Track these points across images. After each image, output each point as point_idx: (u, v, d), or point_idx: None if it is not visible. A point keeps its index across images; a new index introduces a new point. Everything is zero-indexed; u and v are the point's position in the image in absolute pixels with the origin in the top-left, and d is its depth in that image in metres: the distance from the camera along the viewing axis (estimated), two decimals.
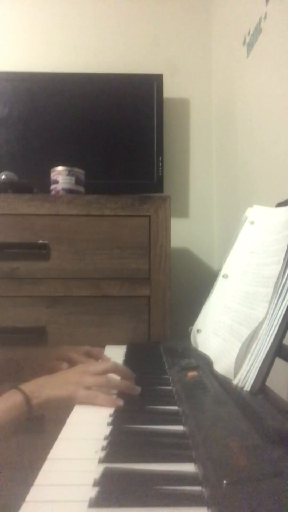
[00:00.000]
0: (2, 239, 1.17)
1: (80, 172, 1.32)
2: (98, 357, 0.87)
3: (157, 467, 0.39)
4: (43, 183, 1.33)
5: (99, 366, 0.70)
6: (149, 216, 1.19)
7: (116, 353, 0.93)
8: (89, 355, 0.87)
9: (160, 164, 1.62)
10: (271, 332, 0.54)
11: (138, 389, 0.64)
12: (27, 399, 0.59)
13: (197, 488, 0.35)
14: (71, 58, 1.74)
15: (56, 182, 1.29)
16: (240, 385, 0.56)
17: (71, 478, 0.40)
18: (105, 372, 0.67)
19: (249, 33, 1.26)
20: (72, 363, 0.82)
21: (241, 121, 1.40)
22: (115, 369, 0.68)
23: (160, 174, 1.62)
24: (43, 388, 0.62)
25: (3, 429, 0.58)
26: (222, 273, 0.82)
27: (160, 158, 1.62)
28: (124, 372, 0.69)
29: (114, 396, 0.61)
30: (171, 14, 1.79)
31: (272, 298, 0.57)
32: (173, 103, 1.75)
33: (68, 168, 1.30)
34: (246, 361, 0.56)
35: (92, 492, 0.35)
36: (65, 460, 0.44)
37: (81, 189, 1.32)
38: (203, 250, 1.74)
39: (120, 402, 0.59)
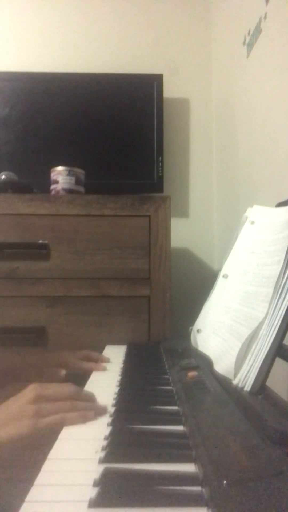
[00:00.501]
0: (2, 239, 1.17)
1: (80, 172, 1.32)
2: (96, 361, 0.86)
3: (157, 467, 0.39)
4: (43, 183, 1.33)
5: (57, 389, 0.57)
6: (149, 216, 1.19)
7: (116, 353, 0.93)
8: (88, 359, 0.86)
9: (160, 164, 1.62)
10: (271, 332, 0.54)
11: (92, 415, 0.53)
12: None
13: (197, 488, 0.35)
14: (71, 58, 1.74)
15: (56, 182, 1.29)
16: (240, 385, 0.56)
17: (71, 478, 0.40)
18: (65, 398, 0.55)
19: (249, 33, 1.26)
20: (70, 369, 0.81)
21: (241, 121, 1.40)
22: (77, 395, 0.57)
23: (160, 174, 1.62)
24: None
25: None
26: (222, 273, 0.82)
27: (160, 158, 1.62)
28: (89, 398, 0.58)
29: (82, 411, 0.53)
30: (171, 14, 1.79)
31: (272, 298, 0.57)
32: (173, 103, 1.75)
33: (68, 168, 1.30)
34: (246, 361, 0.56)
35: (92, 492, 0.35)
36: (65, 460, 0.43)
37: (81, 189, 1.32)
38: (203, 250, 1.74)
39: (91, 414, 0.52)
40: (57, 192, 1.29)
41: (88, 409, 0.53)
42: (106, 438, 0.47)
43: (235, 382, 0.57)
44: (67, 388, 0.57)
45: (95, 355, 0.88)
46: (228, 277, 0.80)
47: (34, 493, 0.36)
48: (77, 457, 0.44)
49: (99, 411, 0.54)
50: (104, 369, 0.81)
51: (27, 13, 1.76)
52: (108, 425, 0.51)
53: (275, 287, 0.57)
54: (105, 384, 0.70)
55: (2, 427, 0.50)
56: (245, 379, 0.55)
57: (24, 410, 0.51)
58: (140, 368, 0.80)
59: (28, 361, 0.88)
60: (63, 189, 1.29)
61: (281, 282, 0.56)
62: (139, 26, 1.78)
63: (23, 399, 0.53)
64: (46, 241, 1.18)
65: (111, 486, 0.36)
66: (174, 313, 1.22)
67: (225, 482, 0.33)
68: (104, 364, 0.83)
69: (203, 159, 1.77)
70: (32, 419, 0.50)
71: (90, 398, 0.58)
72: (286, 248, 0.58)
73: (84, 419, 0.51)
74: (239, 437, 0.43)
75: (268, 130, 1.13)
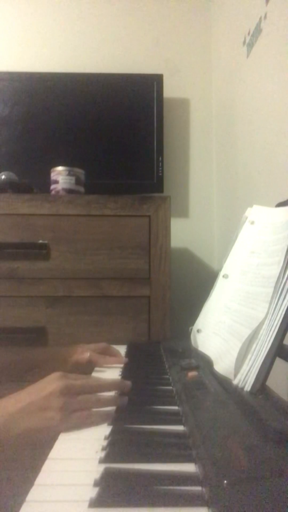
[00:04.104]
0: (2, 239, 1.17)
1: (80, 172, 1.32)
2: (115, 356, 0.85)
3: (158, 467, 0.39)
4: (43, 183, 1.33)
5: (83, 381, 0.56)
6: (149, 216, 1.20)
7: None
8: (106, 353, 0.84)
9: (160, 164, 1.62)
10: (271, 332, 0.54)
11: (128, 385, 0.58)
12: None
13: (198, 488, 0.35)
14: (71, 58, 1.74)
15: (56, 182, 1.29)
16: (240, 385, 0.56)
17: (71, 478, 0.40)
18: (90, 391, 0.55)
19: (249, 33, 1.26)
20: (92, 364, 0.79)
21: (241, 121, 1.40)
22: (101, 388, 0.57)
23: (160, 174, 1.62)
24: (14, 417, 0.48)
25: None
26: (222, 273, 0.82)
27: (160, 158, 1.62)
28: (113, 387, 0.59)
29: (107, 409, 0.54)
30: (171, 14, 1.79)
31: (272, 298, 0.57)
32: (173, 103, 1.75)
33: (68, 168, 1.30)
34: (246, 361, 0.56)
35: (93, 492, 0.35)
36: (65, 460, 0.43)
37: (81, 189, 1.32)
38: (203, 250, 1.74)
39: (112, 415, 0.52)
40: (57, 192, 1.29)
41: (111, 404, 0.54)
42: (106, 438, 0.47)
43: (235, 382, 0.57)
44: (92, 381, 0.57)
45: (114, 351, 0.86)
46: (228, 277, 0.80)
47: (34, 493, 0.36)
48: (77, 457, 0.44)
49: (122, 404, 0.54)
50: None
51: (27, 13, 1.76)
52: (108, 425, 0.51)
53: (275, 287, 0.57)
54: None
55: (29, 415, 0.49)
56: (245, 379, 0.55)
57: (52, 401, 0.50)
58: (140, 368, 0.80)
59: (45, 354, 0.86)
60: (63, 189, 1.29)
61: (281, 282, 0.56)
62: (139, 26, 1.78)
63: (51, 388, 0.51)
64: (46, 241, 1.18)
65: (111, 486, 0.36)
66: (174, 313, 1.22)
67: (225, 482, 0.33)
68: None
69: (203, 159, 1.77)
70: (59, 413, 0.49)
71: (115, 387, 0.58)
72: (286, 248, 0.58)
73: (106, 420, 0.51)
74: (239, 437, 0.43)
75: (268, 130, 1.13)
